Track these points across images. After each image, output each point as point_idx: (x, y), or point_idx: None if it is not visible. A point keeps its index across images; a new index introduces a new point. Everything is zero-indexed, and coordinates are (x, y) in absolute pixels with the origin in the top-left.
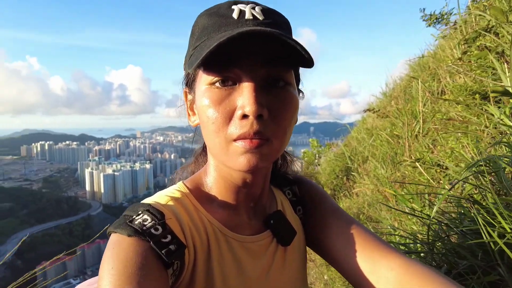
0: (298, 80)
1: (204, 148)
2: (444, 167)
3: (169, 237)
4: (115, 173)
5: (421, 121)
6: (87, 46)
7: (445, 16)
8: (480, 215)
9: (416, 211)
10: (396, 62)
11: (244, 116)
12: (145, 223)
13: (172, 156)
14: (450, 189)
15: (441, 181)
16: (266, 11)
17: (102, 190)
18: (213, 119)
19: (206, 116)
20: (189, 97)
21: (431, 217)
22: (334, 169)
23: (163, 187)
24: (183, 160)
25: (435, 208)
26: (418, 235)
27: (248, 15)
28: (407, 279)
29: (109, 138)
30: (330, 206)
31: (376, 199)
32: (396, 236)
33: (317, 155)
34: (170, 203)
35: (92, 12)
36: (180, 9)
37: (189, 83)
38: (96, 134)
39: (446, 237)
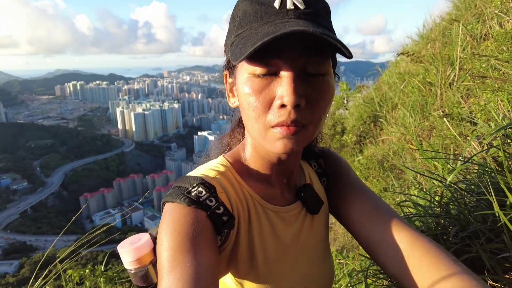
0: (335, 65)
1: (240, 123)
2: (474, 123)
3: (222, 208)
4: (145, 112)
5: (457, 69)
6: None
7: None
8: (494, 184)
9: (434, 173)
10: None
11: (283, 106)
12: (201, 195)
13: (199, 96)
14: (469, 159)
15: (469, 138)
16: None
17: (134, 129)
18: (254, 106)
19: (247, 103)
20: (229, 80)
21: (448, 182)
22: (362, 114)
23: (192, 127)
24: (210, 100)
25: (452, 175)
26: (436, 195)
27: (289, 4)
28: (412, 251)
29: (137, 77)
30: (351, 178)
31: (402, 148)
32: (415, 190)
33: (345, 99)
34: (218, 176)
35: None
36: None
37: (230, 67)
38: (125, 73)
39: (461, 199)
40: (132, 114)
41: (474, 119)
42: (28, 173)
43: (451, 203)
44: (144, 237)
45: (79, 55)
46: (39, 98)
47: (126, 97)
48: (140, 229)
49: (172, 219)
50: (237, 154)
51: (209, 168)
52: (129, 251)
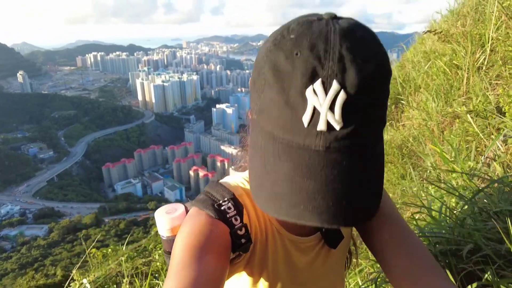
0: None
1: None
2: (501, 117)
3: (243, 230)
4: (164, 84)
5: (488, 51)
6: None
7: None
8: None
9: (451, 186)
10: None
11: None
12: (229, 211)
13: (218, 68)
14: (486, 187)
15: (493, 137)
16: (349, 107)
17: (153, 100)
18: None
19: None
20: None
21: (471, 198)
22: None
23: (210, 99)
24: (228, 72)
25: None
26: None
27: (321, 125)
28: None
29: (157, 48)
30: (386, 208)
31: (423, 134)
32: (433, 189)
33: None
34: (245, 195)
35: None
36: None
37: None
38: (144, 44)
39: (478, 213)
40: (151, 85)
41: (500, 113)
42: (53, 143)
43: (467, 218)
44: (180, 209)
45: (99, 26)
46: (61, 69)
47: (145, 68)
48: (160, 198)
49: (197, 225)
50: None
51: (238, 184)
52: (166, 220)
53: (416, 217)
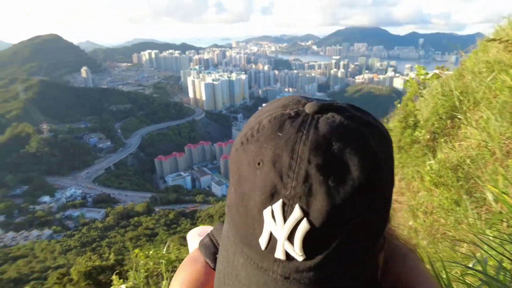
0: None
1: None
2: None
3: None
4: (214, 82)
5: None
6: None
7: None
8: None
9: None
10: None
11: None
12: None
13: (266, 68)
14: None
15: None
16: (313, 240)
17: (203, 98)
18: None
19: None
20: None
21: None
22: (437, 108)
23: (257, 98)
24: (276, 72)
25: None
26: None
27: (279, 253)
28: None
29: (207, 47)
30: None
31: (482, 156)
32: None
33: (421, 85)
34: None
35: None
36: None
37: None
38: (195, 43)
39: None
40: (202, 83)
41: None
42: (111, 134)
43: None
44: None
45: (154, 25)
46: (119, 65)
47: (196, 67)
48: (208, 192)
49: (193, 275)
50: None
51: None
52: (196, 244)
53: (468, 271)
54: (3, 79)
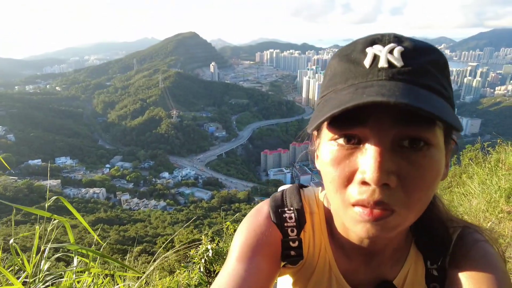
0: (449, 132)
1: None
2: None
3: (296, 243)
4: None
5: None
6: None
7: None
8: None
9: None
10: None
11: (365, 182)
12: (289, 221)
13: None
14: None
15: None
16: (408, 52)
17: (316, 98)
18: (331, 178)
19: (325, 173)
20: (317, 141)
21: None
22: None
23: None
24: None
25: None
26: None
27: (382, 63)
28: None
29: (327, 48)
30: None
31: None
32: None
33: None
34: (314, 215)
35: None
36: None
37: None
38: (316, 43)
39: None
40: (316, 84)
41: None
42: (227, 125)
43: None
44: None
45: (280, 25)
46: (243, 62)
47: (314, 67)
48: None
49: (255, 224)
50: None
51: (311, 200)
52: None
53: None
54: (149, 69)
